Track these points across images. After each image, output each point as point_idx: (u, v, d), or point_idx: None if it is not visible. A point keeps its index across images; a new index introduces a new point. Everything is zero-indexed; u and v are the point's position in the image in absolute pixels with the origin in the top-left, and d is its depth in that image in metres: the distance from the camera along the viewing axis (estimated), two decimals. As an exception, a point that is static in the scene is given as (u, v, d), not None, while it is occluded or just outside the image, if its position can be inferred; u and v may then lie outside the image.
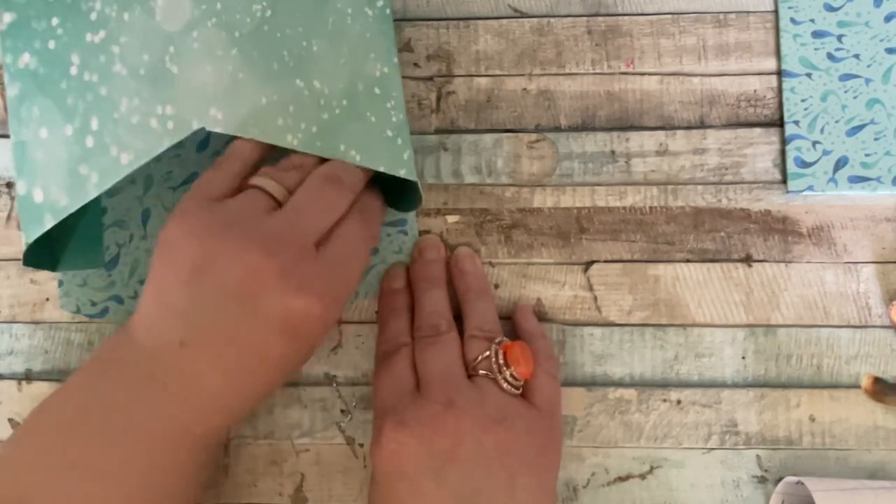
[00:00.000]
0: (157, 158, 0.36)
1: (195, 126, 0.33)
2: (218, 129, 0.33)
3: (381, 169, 0.36)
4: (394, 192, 0.39)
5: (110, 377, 0.33)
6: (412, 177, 0.36)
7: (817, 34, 0.41)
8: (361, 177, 0.36)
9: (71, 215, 0.34)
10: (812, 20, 0.41)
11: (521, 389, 0.36)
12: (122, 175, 0.33)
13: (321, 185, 0.34)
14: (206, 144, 0.41)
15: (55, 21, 0.35)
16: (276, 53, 0.35)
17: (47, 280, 0.41)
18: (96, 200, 0.40)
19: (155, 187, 0.41)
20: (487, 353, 0.36)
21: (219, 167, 0.34)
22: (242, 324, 0.32)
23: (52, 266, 0.38)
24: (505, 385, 0.35)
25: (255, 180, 0.34)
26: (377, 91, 0.37)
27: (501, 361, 0.35)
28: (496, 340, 0.36)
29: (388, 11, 0.38)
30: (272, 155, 0.36)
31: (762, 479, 0.39)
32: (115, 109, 0.33)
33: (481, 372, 0.35)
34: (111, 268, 0.40)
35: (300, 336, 0.33)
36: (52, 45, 0.34)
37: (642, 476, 0.39)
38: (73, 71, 0.34)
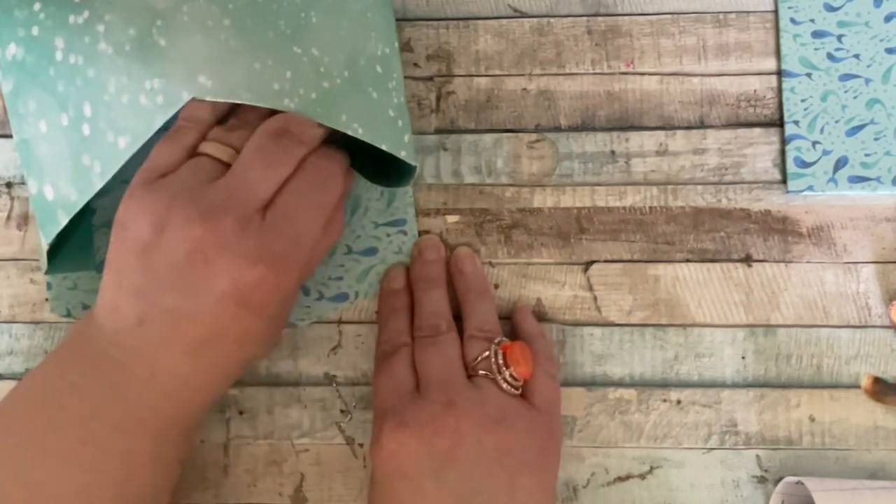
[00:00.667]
0: (146, 154, 0.36)
1: (185, 97, 0.32)
2: (208, 97, 0.32)
3: (384, 147, 0.35)
4: (381, 172, 0.39)
5: (76, 363, 0.33)
6: (412, 160, 0.36)
7: (817, 34, 0.41)
8: (316, 132, 0.34)
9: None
10: (812, 20, 0.41)
11: (520, 390, 0.36)
12: (122, 160, 0.32)
13: (265, 141, 0.33)
14: None
15: (37, 6, 0.33)
16: (272, 23, 0.33)
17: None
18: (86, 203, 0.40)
19: None
20: (487, 353, 0.36)
21: (168, 139, 0.33)
22: (196, 298, 0.31)
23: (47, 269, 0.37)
24: (504, 385, 0.35)
25: (201, 146, 0.33)
26: (379, 69, 0.36)
27: (501, 362, 0.35)
28: (496, 341, 0.36)
29: None
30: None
31: (762, 479, 0.39)
32: (104, 91, 0.32)
33: (481, 372, 0.35)
34: (101, 270, 0.40)
35: (256, 306, 0.32)
36: (35, 31, 0.33)
37: (642, 476, 0.39)
38: (59, 56, 0.33)
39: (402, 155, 0.35)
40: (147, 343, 0.32)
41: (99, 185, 0.33)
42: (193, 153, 0.33)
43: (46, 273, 0.37)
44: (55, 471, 0.31)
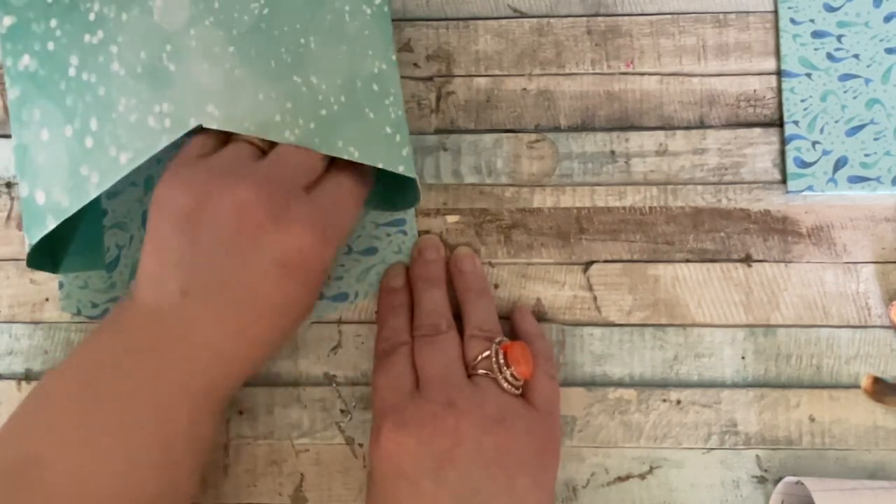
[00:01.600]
0: (157, 160, 0.36)
1: (192, 124, 0.33)
2: (215, 126, 0.33)
3: (380, 165, 0.36)
4: (392, 189, 0.39)
5: (117, 340, 0.33)
6: (411, 173, 0.36)
7: (817, 34, 0.41)
8: None
9: (73, 217, 0.34)
10: (812, 20, 0.41)
11: (520, 389, 0.36)
12: (121, 174, 0.33)
13: None
14: None
15: (54, 23, 0.35)
16: (274, 51, 0.35)
17: (47, 280, 0.41)
18: (97, 202, 0.40)
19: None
20: (487, 352, 0.36)
21: (199, 136, 0.35)
22: (240, 264, 0.32)
23: (53, 268, 0.38)
24: (505, 385, 0.35)
25: (239, 136, 0.34)
26: (375, 88, 0.37)
27: (501, 361, 0.35)
28: (496, 340, 0.36)
29: (386, 9, 0.38)
30: None
31: (762, 480, 0.39)
32: (113, 109, 0.34)
33: (481, 372, 0.35)
34: (111, 269, 0.40)
35: (299, 272, 0.33)
36: (51, 46, 0.35)
37: (642, 476, 0.39)
38: (72, 72, 0.34)
39: (400, 170, 0.36)
40: (189, 316, 0.32)
41: (94, 194, 0.33)
42: (229, 142, 0.35)
43: (47, 271, 0.37)
44: (93, 446, 0.31)
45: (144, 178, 0.41)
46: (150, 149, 0.33)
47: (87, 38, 0.34)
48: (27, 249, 0.35)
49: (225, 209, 0.32)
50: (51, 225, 0.34)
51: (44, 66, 0.34)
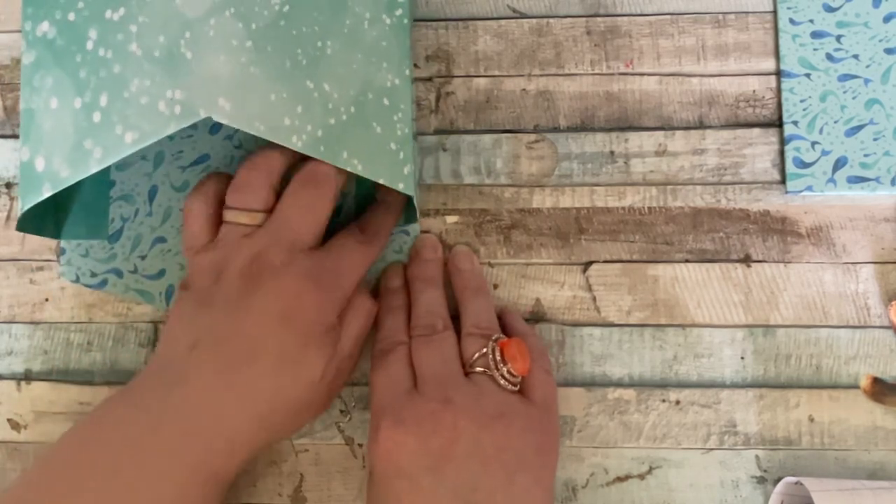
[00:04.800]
0: (169, 136, 0.36)
1: (202, 114, 0.33)
2: (224, 121, 0.33)
3: (381, 181, 0.36)
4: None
5: (130, 395, 0.34)
6: (410, 192, 0.36)
7: (816, 34, 0.41)
8: (340, 173, 0.36)
9: (76, 185, 0.34)
10: (811, 21, 0.41)
11: (518, 386, 0.36)
12: (125, 153, 0.33)
13: (298, 190, 0.36)
14: (219, 127, 0.41)
15: None
16: (290, 51, 0.35)
17: (47, 280, 0.41)
18: (105, 172, 0.40)
19: (164, 165, 0.41)
20: (484, 350, 0.36)
21: (189, 216, 0.36)
22: (242, 313, 0.33)
23: (55, 234, 0.38)
24: (502, 382, 0.35)
25: (227, 216, 0.36)
26: (386, 102, 0.37)
27: (498, 358, 0.35)
28: (493, 337, 0.36)
29: (405, 21, 0.38)
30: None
31: (761, 480, 0.39)
32: (125, 88, 0.33)
33: (478, 369, 0.35)
34: (114, 241, 0.41)
35: (297, 322, 0.33)
36: (72, 17, 0.34)
37: (641, 476, 0.39)
38: (90, 45, 0.34)
39: (400, 187, 0.36)
40: (191, 368, 0.33)
41: (94, 169, 0.33)
42: (218, 220, 0.36)
43: (45, 236, 0.38)
44: None
45: (155, 154, 0.41)
46: (157, 133, 0.33)
47: (108, 13, 0.34)
48: (19, 213, 0.35)
49: (232, 277, 0.34)
50: (46, 193, 0.34)
51: (62, 35, 0.34)
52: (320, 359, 0.34)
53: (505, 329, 0.39)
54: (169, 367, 0.34)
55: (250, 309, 0.33)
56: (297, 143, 0.34)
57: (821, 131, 0.40)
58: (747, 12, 0.42)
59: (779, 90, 0.41)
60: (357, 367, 0.40)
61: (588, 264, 0.41)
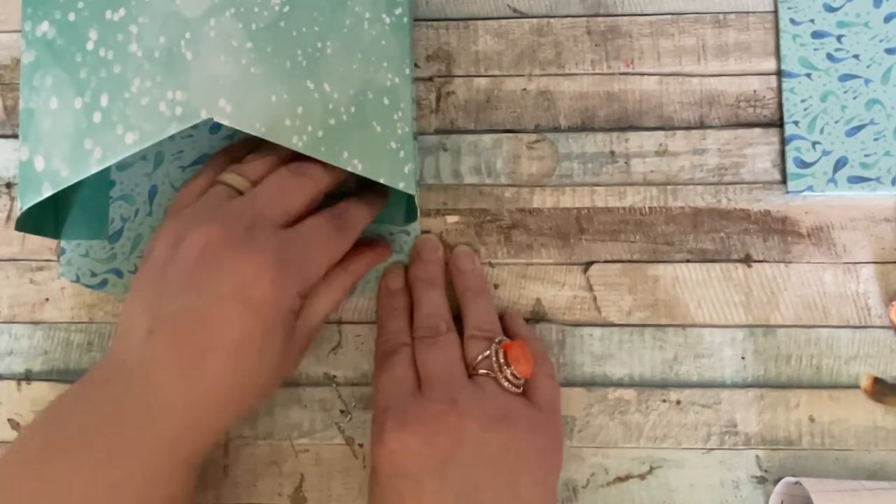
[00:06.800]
0: (170, 137, 0.36)
1: (203, 115, 0.33)
2: (225, 122, 0.33)
3: (381, 180, 0.36)
4: (390, 205, 0.40)
5: (89, 385, 0.33)
6: (411, 190, 0.36)
7: (817, 34, 0.41)
8: (328, 176, 0.36)
9: (76, 185, 0.34)
10: (811, 20, 0.41)
11: (521, 388, 0.36)
12: (125, 154, 0.33)
13: (284, 173, 0.35)
14: (218, 127, 0.41)
15: None
16: (290, 52, 0.35)
17: (47, 280, 0.41)
18: (106, 172, 0.40)
19: (164, 165, 0.41)
20: (487, 352, 0.36)
21: (190, 181, 0.37)
22: (200, 295, 0.32)
23: (55, 234, 0.38)
24: (506, 384, 0.35)
25: (220, 177, 0.36)
26: (386, 101, 0.37)
27: (502, 360, 0.35)
28: (496, 339, 0.36)
29: (405, 20, 0.38)
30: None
31: (761, 480, 0.39)
32: (126, 89, 0.34)
33: (482, 371, 0.35)
34: (114, 241, 0.41)
35: (255, 304, 0.32)
36: (72, 17, 0.34)
37: (642, 476, 0.39)
38: (90, 46, 0.34)
39: (401, 186, 0.36)
40: (149, 356, 0.32)
41: (94, 169, 0.33)
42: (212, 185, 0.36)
43: (45, 235, 0.38)
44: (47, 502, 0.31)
45: (155, 154, 0.41)
46: (158, 133, 0.33)
47: (108, 14, 0.34)
48: (18, 213, 0.35)
49: (191, 247, 0.33)
50: (46, 192, 0.34)
51: (62, 35, 0.34)
52: (279, 342, 0.33)
53: (506, 332, 0.39)
54: (128, 355, 0.33)
55: (209, 287, 0.32)
56: (297, 144, 0.34)
57: (821, 131, 0.40)
58: (748, 12, 0.42)
59: (779, 90, 0.41)
60: (357, 368, 0.40)
61: (588, 264, 0.41)
